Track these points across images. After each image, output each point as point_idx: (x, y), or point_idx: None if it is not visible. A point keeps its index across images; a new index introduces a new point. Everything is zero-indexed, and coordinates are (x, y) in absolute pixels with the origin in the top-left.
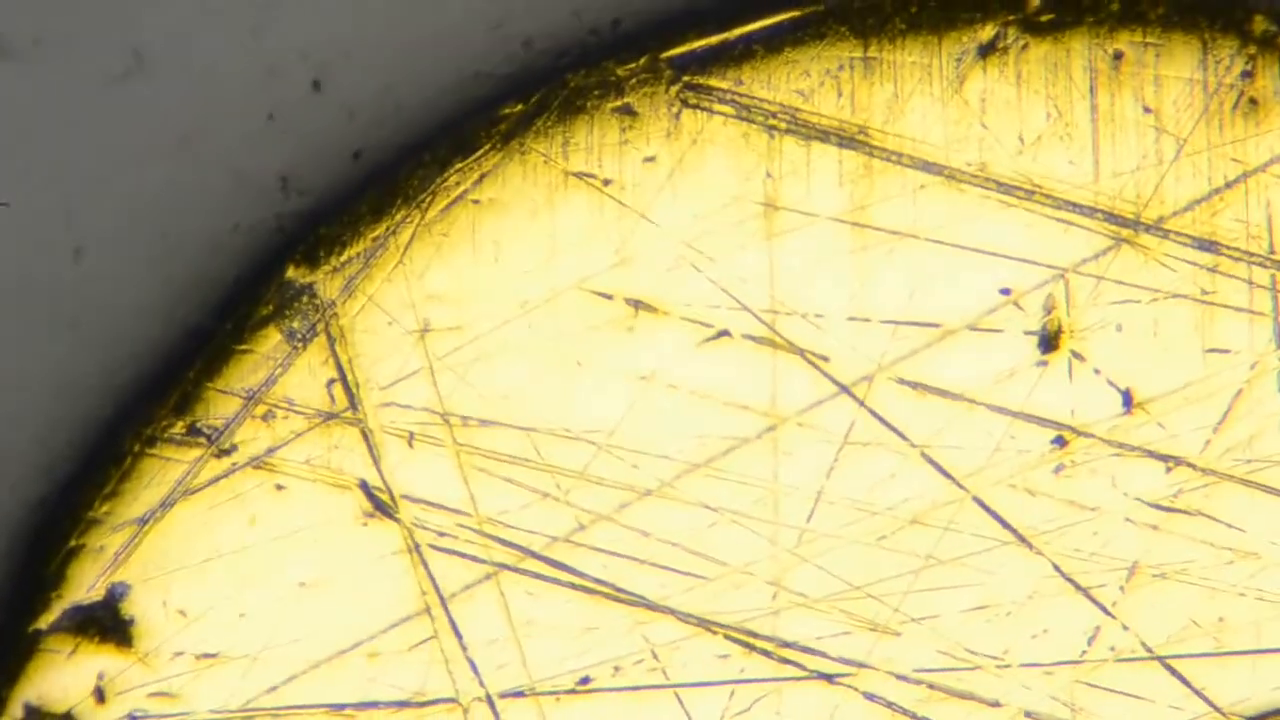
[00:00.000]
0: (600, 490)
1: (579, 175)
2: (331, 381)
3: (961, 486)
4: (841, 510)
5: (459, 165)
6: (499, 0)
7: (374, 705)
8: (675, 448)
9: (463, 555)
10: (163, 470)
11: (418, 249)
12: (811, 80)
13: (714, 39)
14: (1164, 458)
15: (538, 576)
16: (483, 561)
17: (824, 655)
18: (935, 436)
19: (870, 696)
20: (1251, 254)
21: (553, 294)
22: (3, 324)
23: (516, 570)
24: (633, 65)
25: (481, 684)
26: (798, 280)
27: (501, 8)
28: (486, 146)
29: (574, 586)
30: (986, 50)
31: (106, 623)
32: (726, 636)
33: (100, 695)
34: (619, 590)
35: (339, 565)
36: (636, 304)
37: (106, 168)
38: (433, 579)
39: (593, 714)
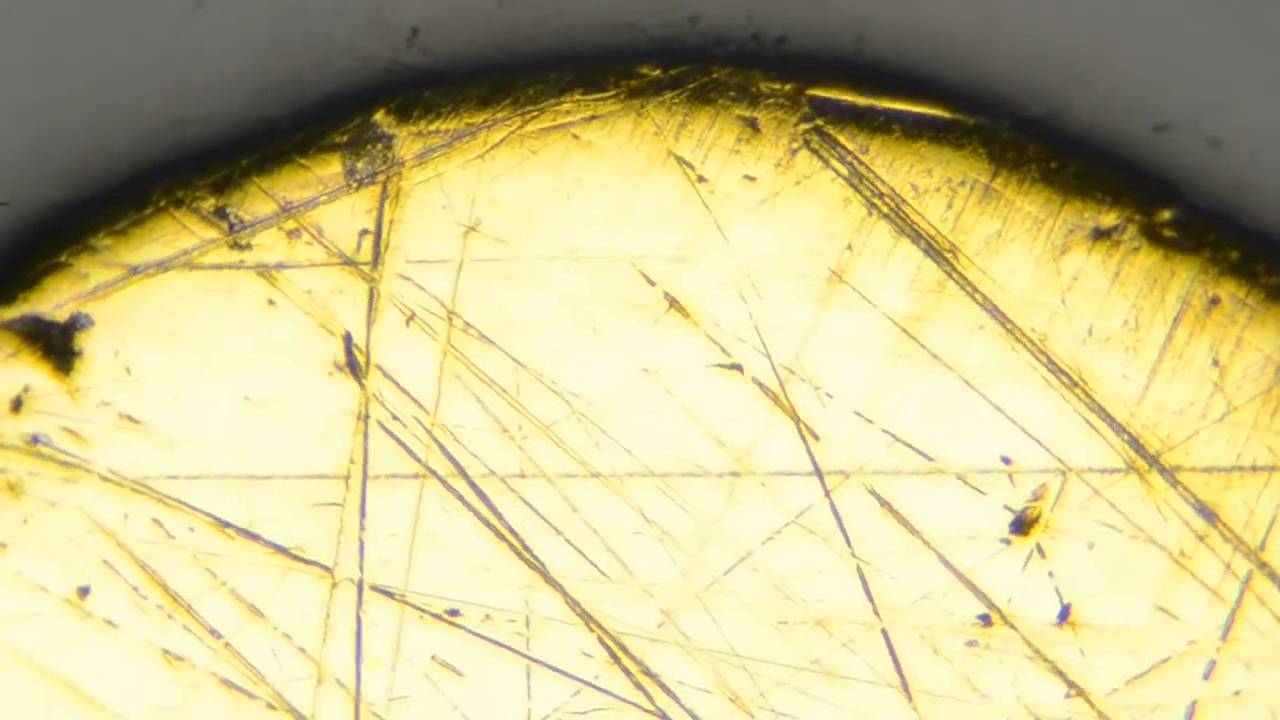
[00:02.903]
0: (555, 451)
1: (681, 160)
2: (365, 232)
3: (877, 614)
4: (760, 579)
5: (578, 96)
6: None
7: (256, 538)
8: (641, 448)
9: (404, 446)
10: (175, 234)
11: (503, 153)
12: (930, 181)
13: (863, 100)
14: (1070, 683)
15: (460, 499)
16: (418, 460)
17: (676, 700)
18: (878, 558)
19: None
20: (1242, 542)
21: (604, 255)
22: (111, 37)
23: (444, 483)
24: (777, 85)
25: (360, 568)
26: (827, 354)
27: None
28: (611, 92)
29: (487, 524)
30: (1100, 235)
31: (56, 344)
32: (600, 639)
33: (17, 405)
34: (525, 548)
35: (289, 399)
36: (673, 302)
37: None
38: (366, 453)
39: (445, 647)
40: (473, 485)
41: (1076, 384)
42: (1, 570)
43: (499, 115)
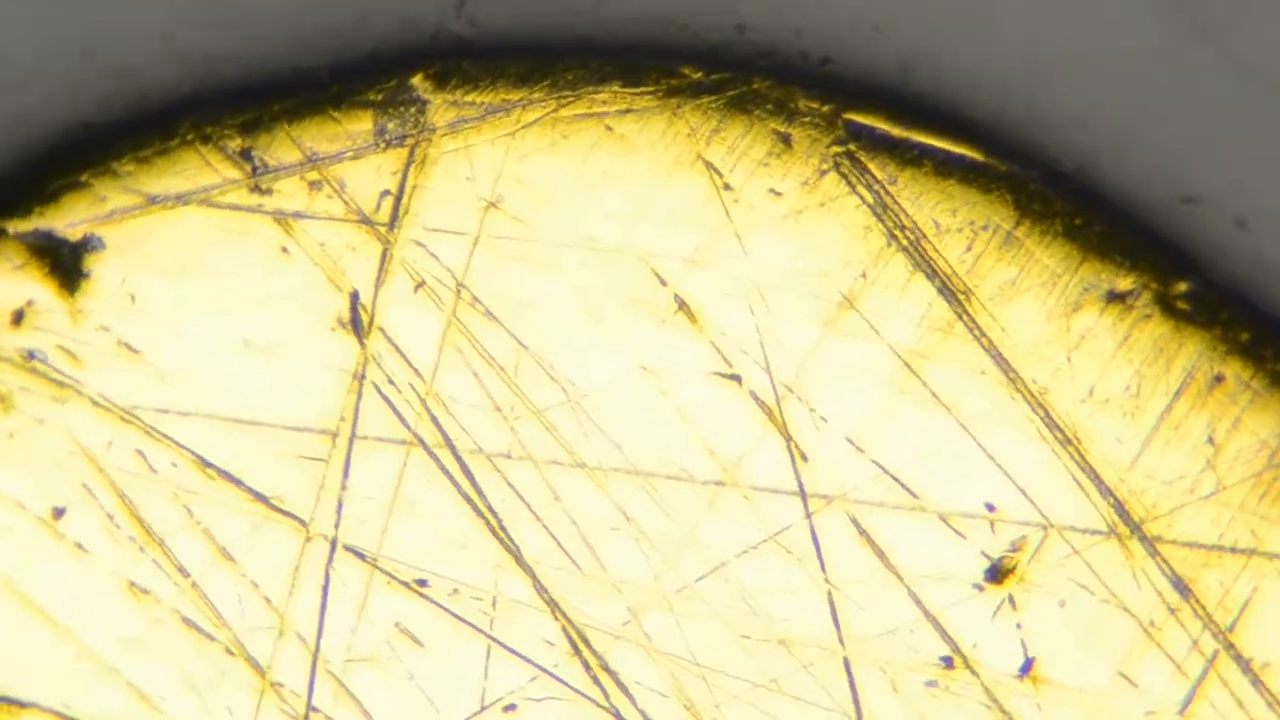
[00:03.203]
0: (545, 436)
1: (709, 165)
2: (386, 193)
3: (841, 642)
4: (730, 591)
5: (616, 88)
6: None
7: (237, 482)
8: (630, 444)
9: (395, 411)
10: (198, 169)
11: (534, 133)
12: (954, 221)
13: (898, 131)
14: None
15: (444, 471)
16: (407, 427)
17: (631, 700)
18: (850, 586)
19: None
20: (1213, 620)
21: (619, 249)
22: None
23: (430, 453)
24: (816, 105)
25: (336, 525)
26: (827, 378)
27: None
28: (650, 89)
29: (468, 499)
30: (1114, 297)
31: (65, 262)
32: (564, 629)
33: (18, 318)
34: (502, 529)
35: (289, 348)
36: (682, 304)
37: None
38: (357, 413)
39: (410, 615)
40: (458, 459)
41: (1070, 441)
42: None
43: (535, 96)
